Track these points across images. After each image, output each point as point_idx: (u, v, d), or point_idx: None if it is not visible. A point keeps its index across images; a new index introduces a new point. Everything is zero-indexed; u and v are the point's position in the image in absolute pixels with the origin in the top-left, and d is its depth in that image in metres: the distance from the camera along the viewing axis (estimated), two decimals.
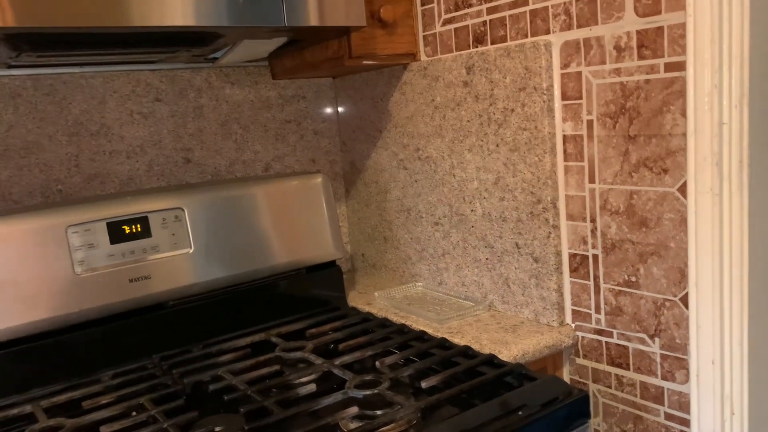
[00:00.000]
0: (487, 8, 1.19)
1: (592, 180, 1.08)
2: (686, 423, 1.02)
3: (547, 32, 1.10)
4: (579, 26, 1.05)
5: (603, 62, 1.03)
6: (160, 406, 0.93)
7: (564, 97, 1.10)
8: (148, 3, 0.92)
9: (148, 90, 1.38)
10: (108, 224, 1.11)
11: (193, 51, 1.23)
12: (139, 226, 1.13)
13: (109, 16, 0.90)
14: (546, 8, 1.09)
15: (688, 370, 1.00)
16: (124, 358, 1.13)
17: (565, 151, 1.11)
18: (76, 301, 1.08)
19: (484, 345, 1.10)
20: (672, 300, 1.01)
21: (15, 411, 0.97)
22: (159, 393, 0.99)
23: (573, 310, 1.16)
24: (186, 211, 1.17)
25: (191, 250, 1.18)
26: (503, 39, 1.17)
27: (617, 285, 1.08)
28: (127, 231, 1.12)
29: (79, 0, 0.87)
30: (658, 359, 1.04)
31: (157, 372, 1.08)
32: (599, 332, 1.12)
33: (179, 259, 1.16)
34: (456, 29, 1.27)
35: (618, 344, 1.10)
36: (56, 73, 1.28)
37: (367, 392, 0.91)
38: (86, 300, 1.08)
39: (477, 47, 1.23)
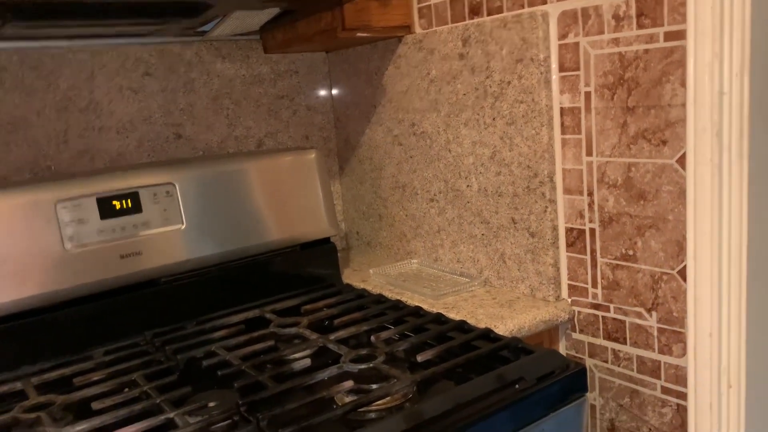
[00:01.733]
0: None
1: (589, 153, 1.07)
2: (683, 396, 1.02)
3: (544, 2, 1.08)
4: None
5: (601, 32, 1.01)
6: (152, 382, 0.92)
7: (561, 68, 1.08)
8: None
9: (138, 64, 1.35)
10: (98, 200, 1.09)
11: (183, 23, 1.20)
12: (129, 201, 1.11)
13: None
14: None
15: (685, 343, 1.00)
16: (115, 335, 1.12)
17: (562, 123, 1.10)
18: (66, 278, 1.06)
19: (479, 320, 1.09)
20: (670, 273, 1.00)
21: (5, 388, 0.95)
22: (152, 369, 0.98)
23: (569, 285, 1.15)
24: (177, 187, 1.15)
25: (183, 226, 1.16)
26: (499, 10, 1.15)
27: (614, 259, 1.07)
28: (118, 207, 1.10)
29: None
30: (655, 333, 1.04)
31: (149, 349, 1.07)
32: (596, 306, 1.12)
33: (171, 235, 1.15)
34: (451, 0, 1.24)
35: (615, 318, 1.09)
36: (43, 47, 1.25)
37: (363, 366, 0.90)
38: (76, 276, 1.07)
39: (473, 18, 1.20)
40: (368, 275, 1.40)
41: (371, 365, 0.90)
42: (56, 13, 1.01)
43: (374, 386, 0.85)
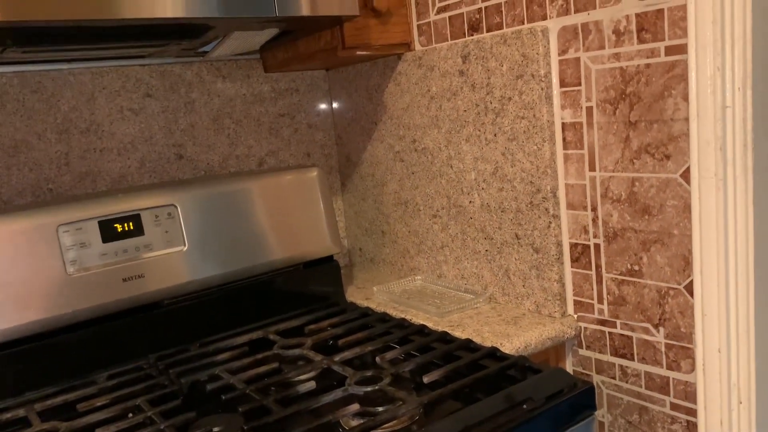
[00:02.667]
0: None
1: (592, 168, 1.06)
2: (693, 413, 1.01)
3: (544, 18, 1.08)
4: (577, 11, 1.03)
5: (602, 47, 1.01)
6: (156, 407, 0.91)
7: (562, 84, 1.08)
8: None
9: (138, 85, 1.35)
10: (100, 223, 1.08)
11: (183, 44, 1.21)
12: (131, 224, 1.11)
13: (97, 9, 0.88)
14: None
15: (693, 359, 0.99)
16: (119, 358, 1.11)
17: (564, 139, 1.09)
18: (68, 302, 1.05)
19: (485, 338, 1.08)
20: (676, 288, 0.99)
21: (8, 415, 0.94)
22: (155, 394, 0.97)
23: (575, 301, 1.14)
24: (179, 208, 1.15)
25: (185, 248, 1.15)
26: (499, 26, 1.15)
27: (620, 274, 1.06)
28: (120, 229, 1.10)
29: None
30: (663, 349, 1.03)
31: (153, 372, 1.06)
32: (602, 322, 1.11)
33: (173, 257, 1.14)
34: (451, 17, 1.24)
35: (622, 334, 1.08)
36: (44, 70, 1.25)
37: (368, 389, 0.89)
38: (79, 300, 1.06)
39: (472, 35, 1.20)
40: (372, 293, 1.39)
41: (377, 387, 0.89)
42: (56, 37, 1.01)
43: (380, 409, 0.84)
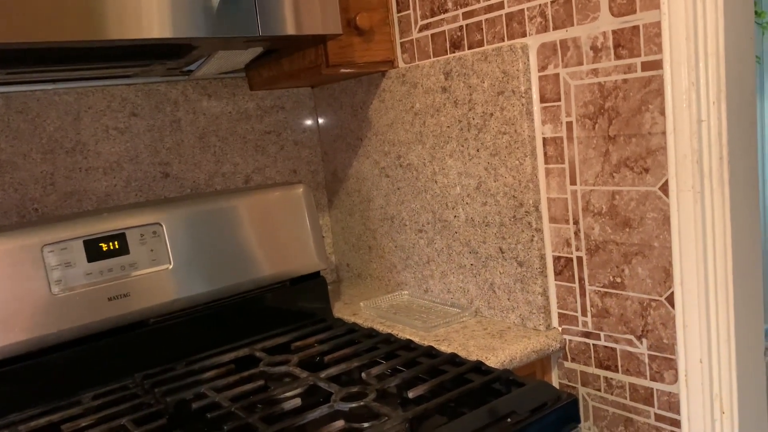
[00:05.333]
0: (463, 13, 1.19)
1: (573, 182, 1.08)
2: (677, 424, 1.01)
3: (524, 35, 1.09)
4: (555, 28, 1.05)
5: (580, 63, 1.03)
6: (142, 426, 0.91)
7: (542, 99, 1.09)
8: (122, 16, 0.90)
9: (124, 105, 1.36)
10: (85, 242, 1.09)
11: (168, 63, 1.22)
12: (116, 243, 1.11)
13: (84, 30, 0.88)
14: (522, 11, 1.09)
15: (676, 370, 1.00)
16: (105, 378, 1.11)
17: (545, 153, 1.11)
18: (53, 322, 1.05)
19: (471, 352, 1.08)
20: (658, 300, 1.00)
21: None
22: (141, 413, 0.96)
23: (559, 314, 1.15)
24: (164, 226, 1.15)
25: (171, 266, 1.16)
26: (480, 43, 1.17)
27: (602, 287, 1.07)
28: (105, 248, 1.10)
29: (53, 14, 0.85)
30: (647, 360, 1.04)
31: (138, 391, 1.06)
32: (586, 335, 1.12)
33: (159, 276, 1.14)
34: (433, 35, 1.26)
35: (606, 346, 1.09)
36: (29, 90, 1.26)
37: (354, 405, 0.89)
38: (64, 320, 1.06)
39: (454, 52, 1.22)
40: (359, 308, 1.39)
41: (362, 403, 0.89)
42: (41, 59, 1.02)
43: (366, 425, 0.84)
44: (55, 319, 1.05)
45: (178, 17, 0.95)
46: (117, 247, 1.11)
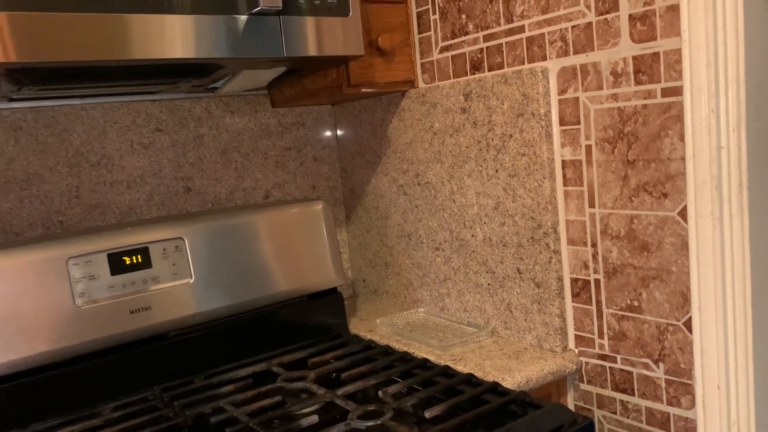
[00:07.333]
0: (483, 35, 1.20)
1: (592, 205, 1.08)
2: None
3: (544, 59, 1.11)
4: (575, 52, 1.06)
5: (600, 88, 1.04)
6: None
7: (562, 122, 1.10)
8: (149, 36, 0.93)
9: (149, 120, 1.39)
10: (108, 255, 1.11)
11: (194, 81, 1.24)
12: (139, 256, 1.13)
13: (110, 50, 0.91)
14: (542, 35, 1.10)
15: (693, 395, 1.00)
16: (125, 390, 1.12)
17: (564, 176, 1.12)
18: (76, 334, 1.07)
19: (487, 372, 1.09)
20: (675, 324, 1.00)
21: None
22: (160, 426, 0.98)
23: (576, 336, 1.15)
24: (186, 241, 1.17)
25: (192, 280, 1.17)
26: (500, 66, 1.18)
27: (620, 310, 1.08)
28: (128, 262, 1.12)
29: (80, 35, 0.88)
30: (663, 384, 1.03)
31: (158, 404, 1.07)
32: (603, 357, 1.12)
33: (180, 290, 1.16)
34: (453, 56, 1.28)
35: (622, 369, 1.09)
36: (57, 105, 1.29)
37: (370, 423, 0.90)
38: (87, 332, 1.08)
39: (474, 74, 1.24)
40: (375, 324, 1.40)
41: (379, 422, 0.90)
42: (70, 77, 1.05)
43: None
44: (78, 330, 1.07)
45: (204, 37, 0.97)
46: (140, 260, 1.13)
